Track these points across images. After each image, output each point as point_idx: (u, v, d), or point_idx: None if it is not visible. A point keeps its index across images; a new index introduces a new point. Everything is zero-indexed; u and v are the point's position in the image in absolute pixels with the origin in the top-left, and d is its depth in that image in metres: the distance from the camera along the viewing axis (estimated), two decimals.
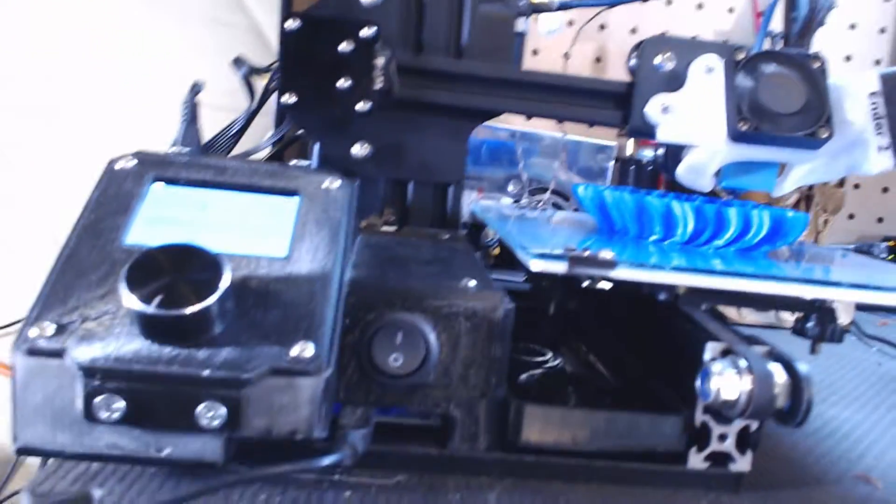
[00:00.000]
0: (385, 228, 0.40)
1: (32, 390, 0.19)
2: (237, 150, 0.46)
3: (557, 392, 0.31)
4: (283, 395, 0.20)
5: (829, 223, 0.79)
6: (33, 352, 0.19)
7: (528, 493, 0.25)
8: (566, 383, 0.32)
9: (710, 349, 0.27)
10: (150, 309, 0.19)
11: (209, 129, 0.78)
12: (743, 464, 0.28)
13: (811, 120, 0.33)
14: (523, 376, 0.33)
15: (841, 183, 0.77)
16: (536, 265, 0.25)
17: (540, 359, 0.38)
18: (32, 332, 0.19)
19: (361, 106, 0.38)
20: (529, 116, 0.50)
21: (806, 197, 0.76)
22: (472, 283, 0.27)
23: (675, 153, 0.38)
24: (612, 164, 0.70)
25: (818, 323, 0.30)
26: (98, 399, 0.19)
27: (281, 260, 0.23)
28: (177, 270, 0.20)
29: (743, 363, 0.26)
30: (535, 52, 0.84)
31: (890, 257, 0.86)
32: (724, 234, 0.34)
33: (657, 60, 0.38)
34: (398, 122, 0.42)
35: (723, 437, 0.28)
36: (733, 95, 0.34)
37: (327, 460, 0.20)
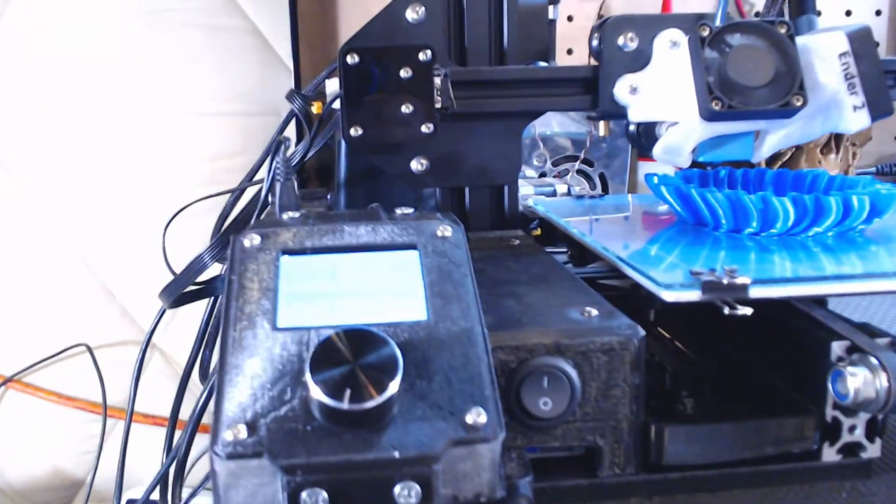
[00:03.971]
0: None
1: (235, 491, 0.20)
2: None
3: (674, 397, 0.31)
4: (465, 464, 0.21)
5: (857, 155, 0.78)
6: (233, 456, 0.20)
7: None
8: (675, 384, 0.33)
9: (836, 348, 0.28)
10: (345, 405, 0.19)
11: (219, 135, 0.78)
12: (873, 450, 0.29)
13: (783, 90, 0.33)
14: None
15: None
16: (670, 296, 0.25)
17: None
18: (227, 436, 0.20)
19: (426, 128, 0.38)
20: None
21: (835, 135, 0.76)
22: (594, 311, 0.28)
23: (648, 129, 0.38)
24: None
25: None
26: (304, 494, 0.19)
27: (424, 323, 0.24)
28: (354, 357, 0.20)
29: (873, 360, 0.26)
30: None
31: None
32: (823, 222, 0.34)
33: (620, 41, 0.37)
34: (452, 132, 0.42)
35: (852, 429, 0.29)
36: (702, 73, 0.33)
37: None
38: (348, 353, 0.20)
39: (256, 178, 0.46)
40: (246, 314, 0.24)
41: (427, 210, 0.57)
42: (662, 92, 0.36)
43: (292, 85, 0.74)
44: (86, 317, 0.74)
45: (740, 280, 0.26)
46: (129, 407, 0.55)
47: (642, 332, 0.26)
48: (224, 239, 0.38)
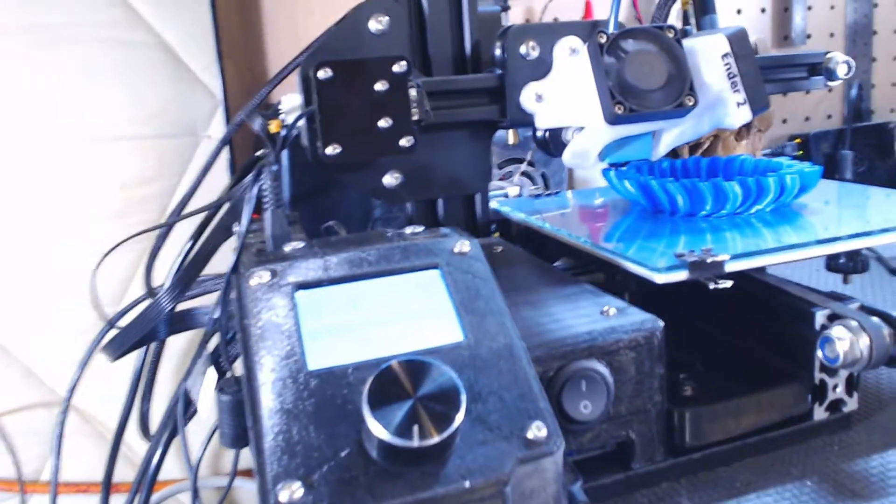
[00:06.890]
0: None
1: None
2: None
3: (674, 380, 0.33)
4: (532, 480, 0.21)
5: (762, 139, 0.89)
6: None
7: (706, 485, 0.28)
8: (670, 368, 0.35)
9: (819, 317, 0.30)
10: (415, 443, 0.18)
11: (130, 161, 0.70)
12: (852, 404, 0.32)
13: (676, 91, 0.35)
14: None
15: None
16: (661, 278, 0.27)
17: None
18: (283, 497, 0.18)
19: (405, 142, 0.37)
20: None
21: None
22: (612, 310, 0.28)
23: (555, 135, 0.39)
24: None
25: (849, 259, 0.36)
26: None
27: (464, 344, 0.23)
28: (414, 390, 0.19)
29: (853, 323, 0.29)
30: None
31: (800, 153, 0.98)
32: (763, 200, 0.38)
33: (522, 50, 0.38)
34: (423, 145, 0.41)
35: (835, 387, 0.32)
36: (603, 79, 0.34)
37: None
38: (408, 387, 0.19)
39: (186, 210, 0.41)
40: (271, 360, 0.22)
41: (378, 223, 0.56)
42: (566, 98, 0.37)
43: (213, 102, 0.69)
44: None
45: (719, 258, 0.29)
46: (52, 478, 0.47)
47: (661, 323, 0.27)
48: (184, 279, 0.34)
